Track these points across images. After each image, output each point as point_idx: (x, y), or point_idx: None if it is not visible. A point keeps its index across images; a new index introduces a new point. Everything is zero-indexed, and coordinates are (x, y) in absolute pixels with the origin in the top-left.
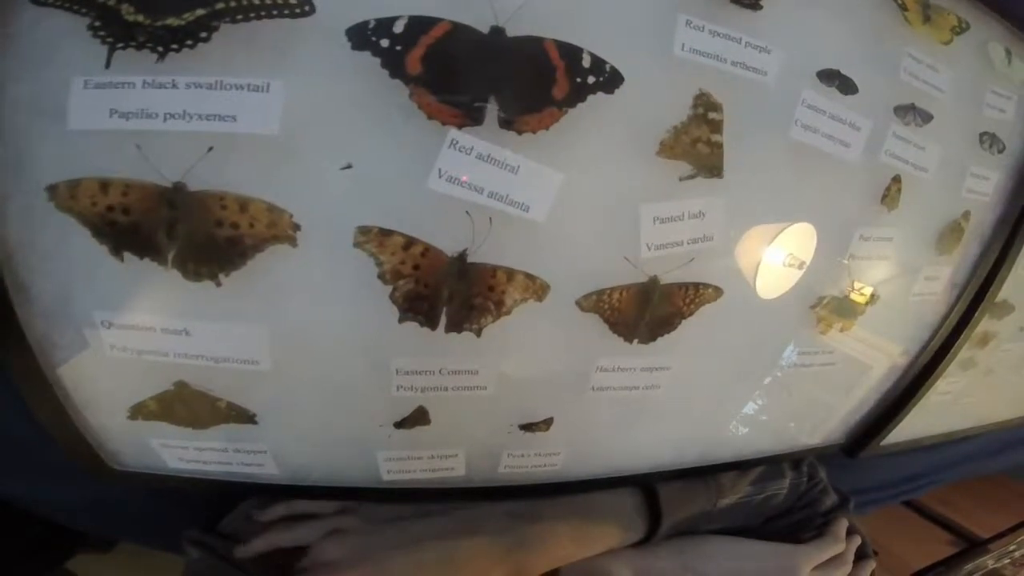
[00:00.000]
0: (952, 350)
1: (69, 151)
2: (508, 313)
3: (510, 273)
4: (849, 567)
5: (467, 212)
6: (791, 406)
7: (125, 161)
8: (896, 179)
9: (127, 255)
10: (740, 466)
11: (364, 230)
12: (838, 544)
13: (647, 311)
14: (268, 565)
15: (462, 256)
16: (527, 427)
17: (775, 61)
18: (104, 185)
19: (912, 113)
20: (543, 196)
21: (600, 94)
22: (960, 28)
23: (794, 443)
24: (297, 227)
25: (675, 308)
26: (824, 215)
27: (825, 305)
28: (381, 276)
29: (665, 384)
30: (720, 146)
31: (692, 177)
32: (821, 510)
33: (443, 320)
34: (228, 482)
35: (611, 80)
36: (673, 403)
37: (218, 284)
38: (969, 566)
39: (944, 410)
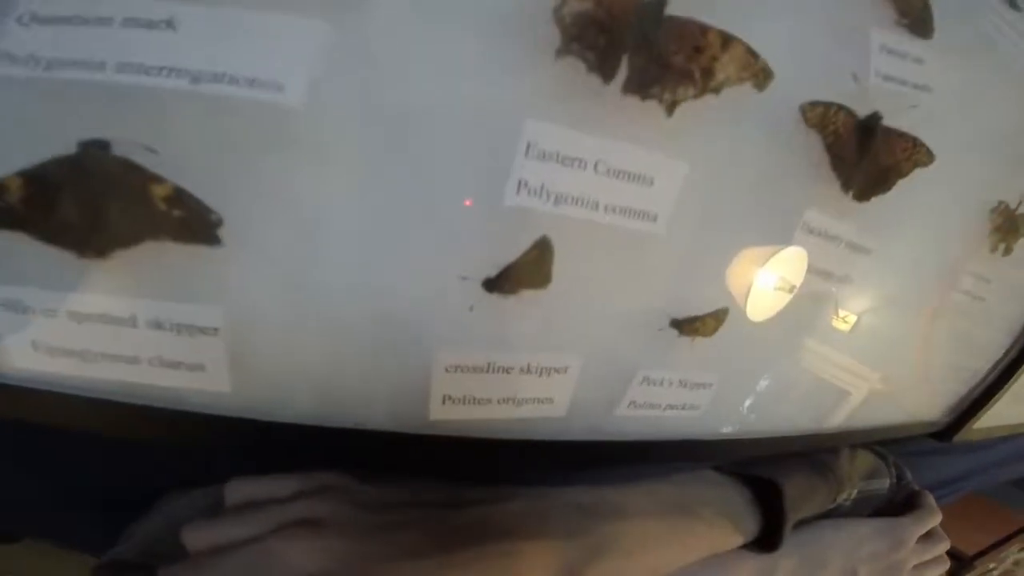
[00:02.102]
0: None
1: None
2: (716, 91)
3: (726, 38)
4: (947, 541)
5: None
6: (928, 359)
7: None
8: None
9: None
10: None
11: None
12: (936, 515)
13: (867, 152)
14: None
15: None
16: (685, 324)
17: None
18: None
19: None
20: None
21: None
22: None
23: (896, 418)
24: None
25: (893, 160)
26: (1004, 106)
27: (1002, 212)
28: None
29: (858, 276)
30: (928, 6)
31: (905, 26)
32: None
33: (623, 73)
34: (127, 409)
35: None
36: (856, 312)
37: None
38: None
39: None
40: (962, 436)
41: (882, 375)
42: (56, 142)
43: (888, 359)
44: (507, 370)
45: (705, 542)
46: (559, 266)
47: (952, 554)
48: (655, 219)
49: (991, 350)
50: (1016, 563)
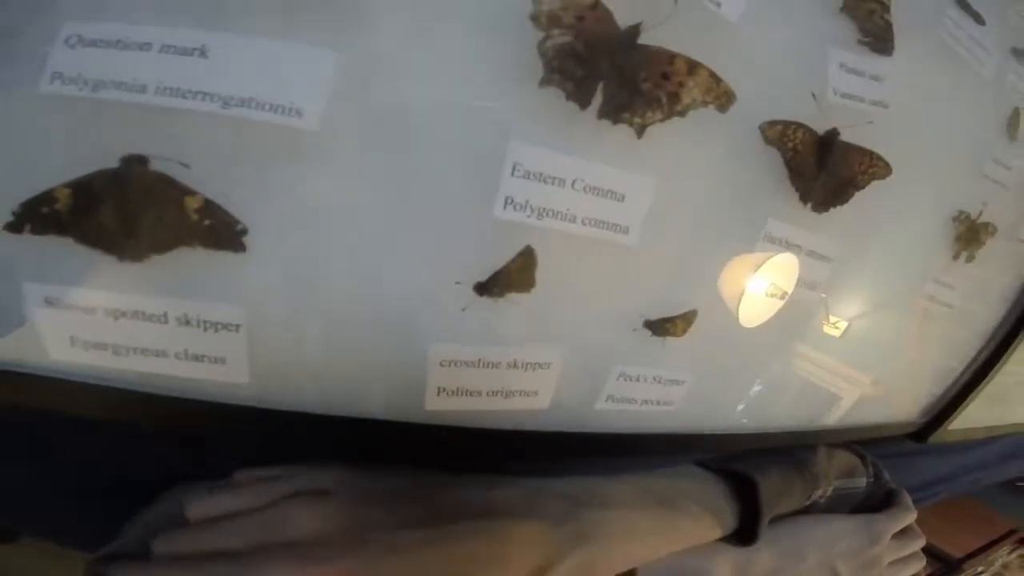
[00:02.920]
0: None
1: None
2: (682, 114)
3: (692, 64)
4: (923, 538)
5: None
6: (896, 362)
7: None
8: (1017, 111)
9: None
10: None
11: None
12: (911, 513)
13: (825, 166)
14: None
15: (635, 29)
16: (657, 325)
17: None
18: None
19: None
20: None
21: None
22: None
23: (874, 417)
24: None
25: (850, 173)
26: (965, 119)
27: (963, 221)
28: (535, 17)
29: (822, 282)
30: (890, 25)
31: (865, 44)
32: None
33: (598, 100)
34: (152, 399)
35: None
36: (819, 313)
37: None
38: None
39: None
40: (938, 437)
41: (856, 376)
42: (100, 156)
43: (861, 360)
44: (495, 365)
45: (685, 534)
46: (542, 272)
47: (940, 557)
48: (627, 231)
49: (963, 353)
50: (1004, 566)
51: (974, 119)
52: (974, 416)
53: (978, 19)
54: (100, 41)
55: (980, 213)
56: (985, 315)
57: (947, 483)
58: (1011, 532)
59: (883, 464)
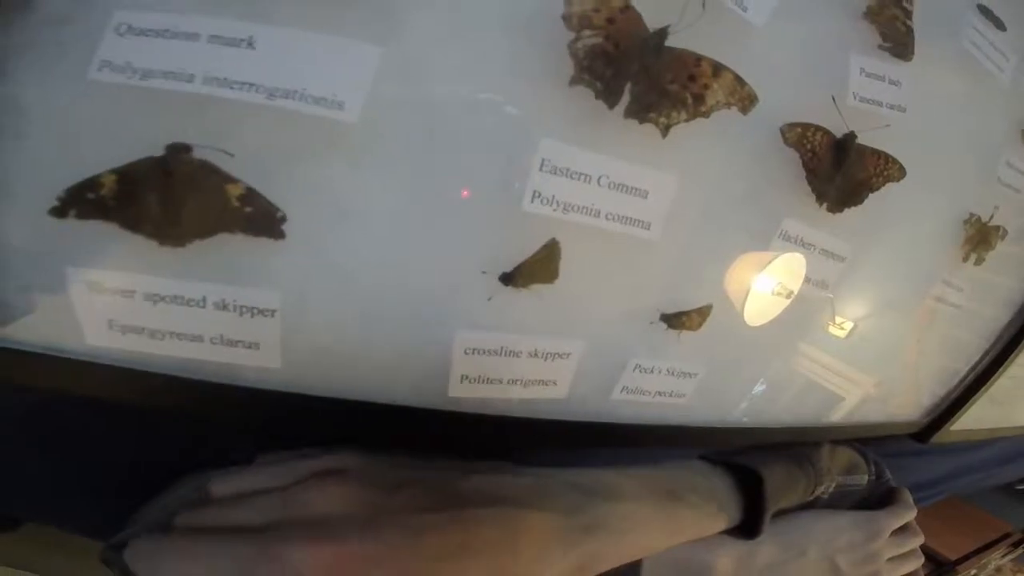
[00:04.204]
0: None
1: None
2: (705, 115)
3: (717, 67)
4: (921, 536)
5: None
6: (903, 362)
7: None
8: None
9: None
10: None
11: None
12: (911, 511)
13: (841, 168)
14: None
15: (663, 32)
16: (673, 318)
17: None
18: None
19: None
20: (762, 3)
21: None
22: None
23: (873, 418)
24: None
25: (865, 176)
26: (981, 124)
27: (974, 224)
28: (566, 17)
29: (834, 281)
30: (911, 31)
31: (886, 49)
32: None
33: (625, 100)
34: (186, 384)
35: None
36: (836, 318)
37: None
38: None
39: (1001, 400)
40: (940, 437)
41: (862, 375)
42: (145, 143)
43: (867, 360)
44: (517, 354)
45: (691, 526)
46: (565, 264)
47: (935, 559)
48: (649, 227)
49: (968, 354)
50: (998, 569)
51: (990, 124)
52: (975, 418)
53: (999, 25)
54: (149, 30)
55: (991, 217)
56: (992, 317)
57: (947, 483)
58: (1006, 535)
59: (884, 463)
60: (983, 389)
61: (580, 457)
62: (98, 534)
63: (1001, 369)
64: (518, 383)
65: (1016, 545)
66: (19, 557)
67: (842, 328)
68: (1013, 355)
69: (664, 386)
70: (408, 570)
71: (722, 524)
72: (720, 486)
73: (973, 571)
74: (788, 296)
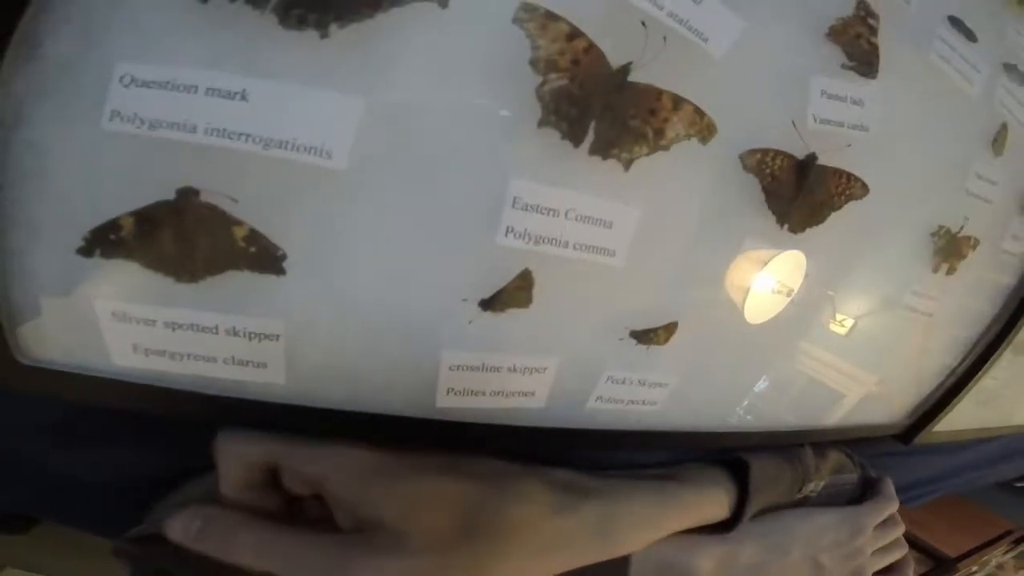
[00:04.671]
0: (1019, 322)
1: None
2: (666, 148)
3: (677, 100)
4: (903, 527)
5: (643, 23)
6: (878, 367)
7: None
8: (1004, 126)
9: None
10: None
11: (530, 7)
12: (893, 502)
13: (802, 189)
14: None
15: (625, 68)
16: (642, 335)
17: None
18: None
19: (1016, 72)
20: (723, 34)
21: None
22: None
23: (854, 421)
24: None
25: (827, 196)
26: (949, 137)
27: (943, 236)
28: (534, 63)
29: (800, 296)
30: (876, 48)
31: (850, 68)
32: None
33: (590, 137)
34: (202, 398)
35: None
36: (800, 326)
37: (324, 35)
38: None
39: (985, 401)
40: (923, 439)
41: (843, 378)
42: (158, 188)
43: (847, 364)
44: (497, 369)
45: (691, 508)
46: (539, 290)
47: (935, 556)
48: (614, 254)
49: (949, 358)
50: (999, 566)
51: (958, 136)
52: (961, 419)
53: (970, 36)
54: (152, 82)
55: (961, 228)
56: (971, 321)
57: (941, 482)
58: (1007, 533)
59: (875, 463)
60: (963, 392)
61: (566, 459)
62: (113, 533)
63: (981, 372)
64: (500, 394)
65: (1018, 542)
66: (32, 559)
67: (834, 328)
68: (992, 358)
69: (636, 395)
70: None
71: (716, 514)
72: (706, 476)
73: (974, 568)
74: (787, 294)
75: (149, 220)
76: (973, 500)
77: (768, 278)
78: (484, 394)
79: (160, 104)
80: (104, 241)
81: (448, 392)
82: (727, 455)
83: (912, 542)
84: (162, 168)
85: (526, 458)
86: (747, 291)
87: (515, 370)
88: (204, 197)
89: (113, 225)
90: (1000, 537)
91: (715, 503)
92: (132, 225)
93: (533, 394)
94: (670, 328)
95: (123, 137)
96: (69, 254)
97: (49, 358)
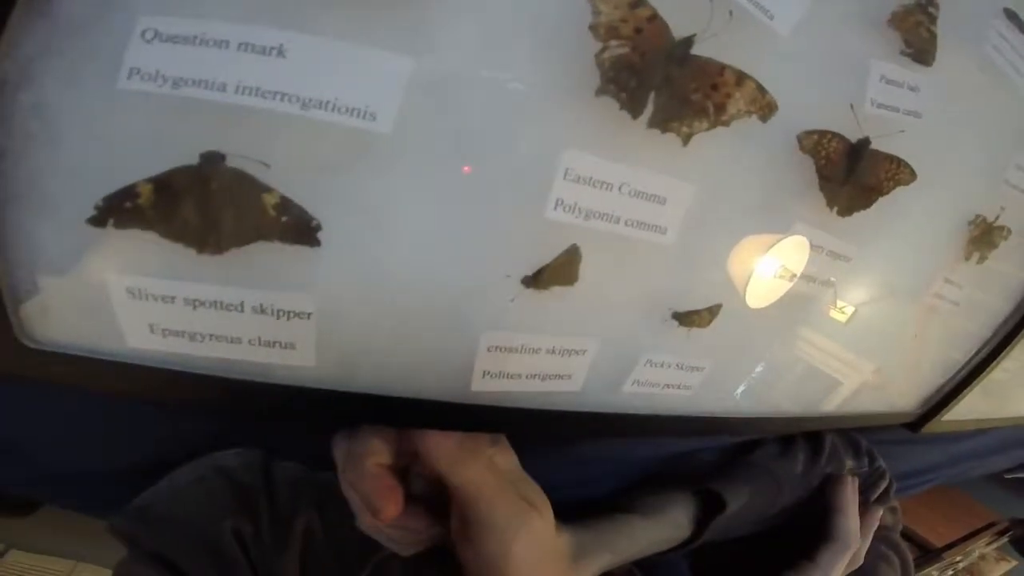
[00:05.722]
0: None
1: None
2: (726, 124)
3: (740, 76)
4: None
5: None
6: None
7: None
8: None
9: None
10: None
11: None
12: (851, 544)
13: (853, 173)
14: None
15: (688, 40)
16: (684, 316)
17: None
18: None
19: None
20: (789, 13)
21: None
22: None
23: (870, 408)
24: None
25: (876, 181)
26: (994, 127)
27: (979, 225)
28: (594, 28)
29: (838, 280)
30: (934, 36)
31: (908, 55)
32: (872, 496)
33: (649, 109)
34: (225, 383)
35: None
36: (832, 308)
37: None
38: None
39: (992, 393)
40: (931, 427)
41: (861, 368)
42: (180, 152)
43: (866, 353)
44: (536, 351)
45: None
46: (585, 267)
47: (921, 545)
48: (665, 232)
49: (965, 348)
50: (982, 557)
51: (1003, 126)
52: (967, 409)
53: (1021, 27)
54: (178, 37)
55: (997, 217)
56: (991, 311)
57: (936, 472)
58: (991, 524)
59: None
60: (977, 380)
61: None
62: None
63: (996, 361)
64: (536, 377)
65: (1001, 534)
66: (35, 541)
67: (843, 314)
68: (1008, 348)
69: (672, 379)
70: None
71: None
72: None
73: (959, 558)
74: (790, 280)
75: (169, 187)
76: (962, 491)
77: (816, 259)
78: (520, 377)
79: (186, 61)
80: (118, 210)
81: (484, 375)
82: (695, 485)
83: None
84: (185, 130)
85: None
86: (794, 273)
87: (554, 352)
88: (231, 162)
89: (128, 192)
90: (984, 528)
91: (672, 526)
92: (150, 192)
93: (570, 377)
94: (714, 310)
95: (142, 97)
96: (79, 225)
97: (57, 340)
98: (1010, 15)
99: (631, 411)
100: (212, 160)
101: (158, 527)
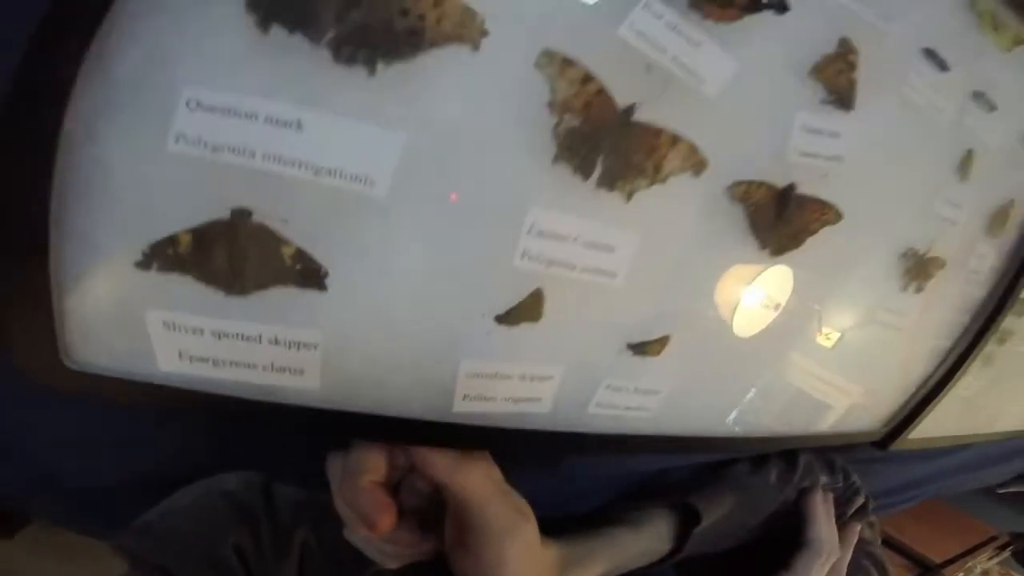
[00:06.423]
0: (985, 337)
1: None
2: (663, 181)
3: (674, 138)
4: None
5: (647, 66)
6: (857, 378)
7: None
8: (970, 152)
9: (275, 27)
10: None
11: (549, 54)
12: (820, 553)
13: (781, 217)
14: None
15: (630, 109)
16: (638, 347)
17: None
18: None
19: (983, 100)
20: (718, 77)
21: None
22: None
23: (835, 428)
24: (485, 32)
25: (804, 223)
26: (919, 164)
27: (911, 257)
28: (551, 105)
29: (785, 312)
30: (854, 83)
31: (829, 103)
32: (848, 512)
33: (598, 171)
34: (241, 402)
35: (780, 5)
36: (779, 336)
37: (372, 72)
38: None
39: (959, 411)
40: (899, 445)
41: (821, 389)
42: (214, 207)
43: (826, 372)
44: (508, 377)
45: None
46: (548, 306)
47: (920, 562)
48: (615, 276)
49: (920, 370)
50: (984, 572)
51: (928, 162)
52: (935, 426)
53: (943, 66)
54: (216, 108)
55: (928, 250)
56: (943, 334)
57: (920, 488)
58: (991, 539)
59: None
60: (937, 399)
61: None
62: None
63: (951, 383)
64: (510, 400)
65: (1002, 548)
66: (16, 564)
67: (796, 340)
68: (962, 369)
69: (632, 402)
70: None
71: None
72: (658, 519)
73: (960, 575)
74: (734, 311)
75: (205, 237)
76: (957, 507)
77: (755, 293)
78: (496, 400)
79: (223, 129)
80: (162, 256)
81: (464, 398)
82: (673, 500)
83: (897, 548)
84: (219, 189)
85: (532, 459)
86: (735, 307)
87: (525, 378)
88: (257, 218)
89: (171, 241)
90: (985, 543)
91: (656, 538)
92: (189, 241)
93: (540, 400)
94: (663, 341)
95: (185, 158)
96: (127, 266)
97: (94, 362)
98: (928, 54)
99: (599, 431)
100: (241, 215)
101: (160, 542)
